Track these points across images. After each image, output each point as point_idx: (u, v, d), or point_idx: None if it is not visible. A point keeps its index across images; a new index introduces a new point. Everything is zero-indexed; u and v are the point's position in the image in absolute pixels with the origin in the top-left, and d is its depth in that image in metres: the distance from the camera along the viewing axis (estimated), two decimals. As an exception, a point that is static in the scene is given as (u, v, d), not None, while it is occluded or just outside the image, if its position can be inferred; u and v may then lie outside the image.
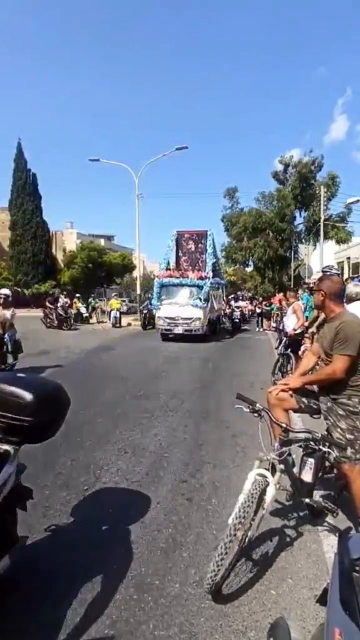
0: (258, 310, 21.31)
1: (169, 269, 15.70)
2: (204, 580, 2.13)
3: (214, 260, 16.73)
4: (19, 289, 32.33)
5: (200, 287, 14.07)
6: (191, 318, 13.50)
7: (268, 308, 20.62)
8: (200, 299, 13.76)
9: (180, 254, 16.95)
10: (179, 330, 13.58)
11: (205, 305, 13.90)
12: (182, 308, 13.69)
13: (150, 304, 17.58)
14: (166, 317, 13.85)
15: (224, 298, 22.39)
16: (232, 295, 25.33)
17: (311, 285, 7.22)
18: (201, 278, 14.37)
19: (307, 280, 15.97)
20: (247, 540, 2.16)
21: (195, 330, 13.52)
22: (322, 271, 6.21)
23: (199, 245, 16.64)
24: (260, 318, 20.44)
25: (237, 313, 18.54)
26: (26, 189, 34.13)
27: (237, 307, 18.76)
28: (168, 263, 16.17)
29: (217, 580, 2.04)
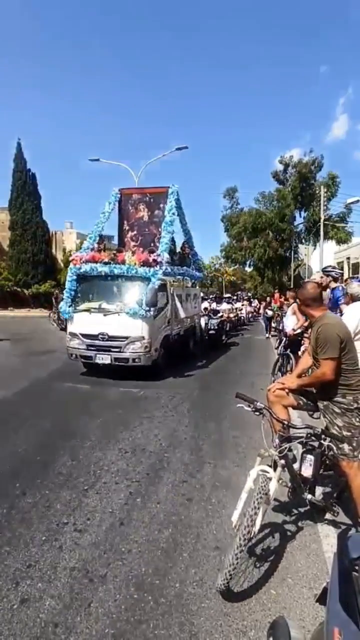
0: (269, 313, 17.20)
1: (101, 249, 8.72)
2: (218, 581, 2.13)
3: (185, 237, 10.60)
4: (18, 289, 32.31)
5: (146, 281, 7.62)
6: (125, 337, 7.38)
7: (272, 308, 17.47)
8: (143, 302, 7.30)
9: (126, 226, 10.16)
10: (104, 359, 7.44)
11: (153, 313, 7.57)
12: (109, 319, 7.50)
13: (58, 309, 10.33)
14: (83, 335, 7.65)
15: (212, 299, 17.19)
16: (212, 295, 19.02)
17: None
18: (147, 264, 7.75)
19: (306, 281, 15.75)
20: (250, 536, 2.18)
21: (134, 360, 7.37)
22: (323, 271, 6.23)
23: (156, 212, 9.81)
24: (269, 322, 16.82)
25: (215, 321, 12.05)
26: (26, 189, 34.05)
27: (217, 313, 12.70)
28: (100, 239, 9.01)
29: (230, 582, 2.10)
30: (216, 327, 12.08)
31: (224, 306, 14.82)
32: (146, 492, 3.35)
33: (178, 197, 9.60)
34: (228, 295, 21.47)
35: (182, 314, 9.27)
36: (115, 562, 2.48)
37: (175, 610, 2.10)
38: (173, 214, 9.25)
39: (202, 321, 12.29)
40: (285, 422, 2.50)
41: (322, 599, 1.43)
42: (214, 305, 14.52)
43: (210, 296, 17.25)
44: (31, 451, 4.14)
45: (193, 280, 11.48)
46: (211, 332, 12.01)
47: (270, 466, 2.40)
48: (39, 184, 34.97)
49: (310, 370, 3.35)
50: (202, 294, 15.23)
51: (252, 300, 28.38)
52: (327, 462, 2.74)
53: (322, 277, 5.78)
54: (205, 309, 13.48)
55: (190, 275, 10.67)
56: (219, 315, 12.77)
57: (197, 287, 12.49)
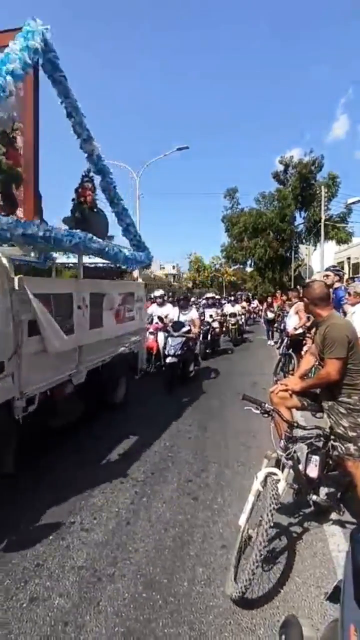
0: (270, 315, 13.68)
1: None
2: (230, 590, 2.11)
3: (90, 166, 4.92)
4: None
5: None
6: None
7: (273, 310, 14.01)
8: None
9: None
10: None
11: None
12: None
13: None
14: None
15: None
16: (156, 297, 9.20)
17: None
18: None
19: (307, 281, 15.54)
20: (265, 551, 2.17)
21: None
22: (331, 269, 6.25)
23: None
24: (270, 326, 13.61)
25: (176, 343, 6.99)
26: (26, 189, 34.09)
27: (180, 327, 7.40)
28: None
29: (245, 594, 2.06)
30: (179, 352, 6.93)
31: (192, 314, 8.23)
32: (151, 491, 3.36)
33: (45, 50, 3.76)
34: (210, 295, 14.12)
35: (57, 343, 3.66)
36: (122, 561, 2.49)
37: (184, 609, 2.11)
38: (17, 77, 3.25)
39: (161, 337, 7.83)
40: (294, 423, 2.50)
41: (333, 597, 1.44)
42: (173, 313, 8.32)
43: (155, 297, 9.17)
44: (35, 452, 4.12)
45: (128, 267, 6.22)
46: (170, 359, 6.88)
47: (275, 467, 2.40)
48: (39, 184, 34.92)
49: (313, 371, 3.35)
50: (164, 296, 9.68)
51: (251, 300, 25.60)
52: (331, 462, 2.75)
53: (326, 277, 5.78)
54: (161, 319, 8.19)
55: (98, 249, 4.49)
56: (185, 330, 7.30)
57: (140, 281, 6.82)
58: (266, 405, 2.48)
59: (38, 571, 2.39)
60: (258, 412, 2.47)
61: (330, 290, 5.72)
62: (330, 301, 3.02)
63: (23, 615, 2.07)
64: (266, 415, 2.47)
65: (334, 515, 2.86)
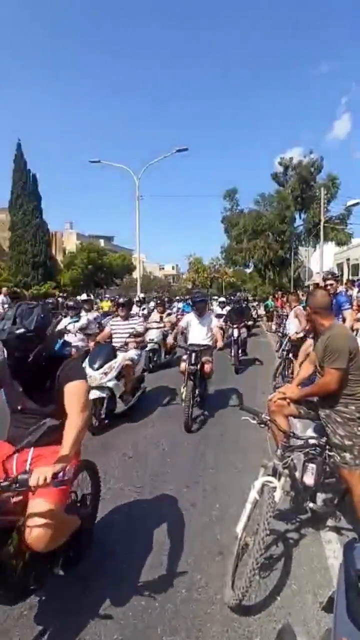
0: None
1: None
2: (228, 598, 2.14)
3: None
4: (17, 290, 32.39)
5: None
6: None
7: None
8: None
9: None
10: None
11: None
12: None
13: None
14: None
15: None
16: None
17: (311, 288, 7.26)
18: None
19: (307, 283, 15.57)
20: (262, 559, 2.20)
21: None
22: (323, 278, 6.28)
23: None
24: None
25: None
26: (26, 190, 34.16)
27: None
28: None
29: (242, 601, 2.09)
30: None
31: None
32: (151, 497, 3.38)
33: None
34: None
35: None
36: (121, 567, 2.52)
37: (182, 616, 2.14)
38: None
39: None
40: (290, 433, 2.53)
41: (328, 607, 1.47)
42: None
43: None
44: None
45: None
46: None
47: (272, 475, 2.43)
48: (39, 185, 35.02)
49: (316, 377, 3.38)
50: None
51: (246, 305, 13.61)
52: (328, 469, 2.78)
53: (330, 285, 5.74)
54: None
55: None
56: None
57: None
58: (263, 415, 2.51)
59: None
60: (254, 422, 2.50)
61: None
62: (332, 310, 3.04)
63: (22, 622, 2.09)
64: (263, 425, 2.50)
65: (330, 522, 2.88)
